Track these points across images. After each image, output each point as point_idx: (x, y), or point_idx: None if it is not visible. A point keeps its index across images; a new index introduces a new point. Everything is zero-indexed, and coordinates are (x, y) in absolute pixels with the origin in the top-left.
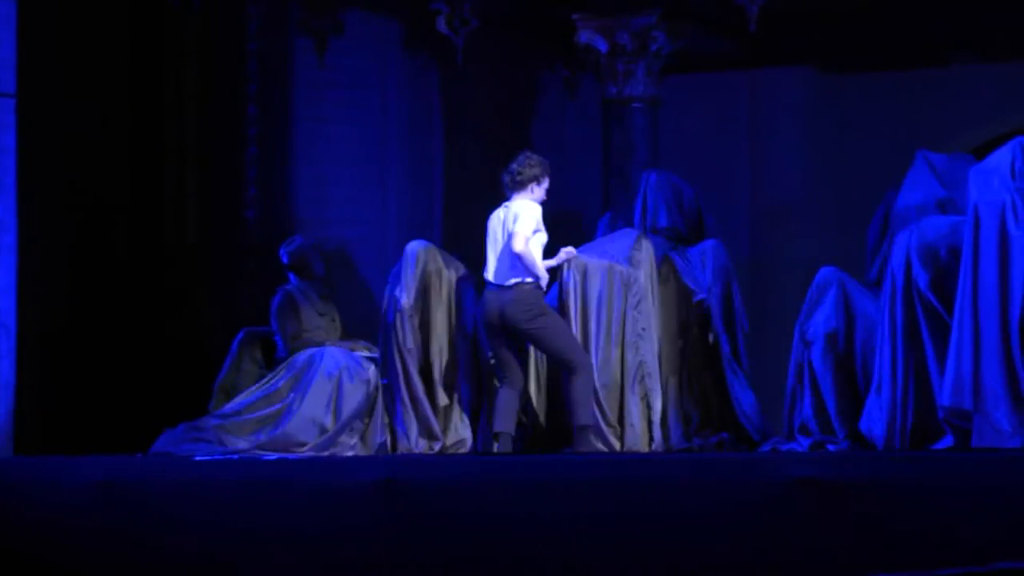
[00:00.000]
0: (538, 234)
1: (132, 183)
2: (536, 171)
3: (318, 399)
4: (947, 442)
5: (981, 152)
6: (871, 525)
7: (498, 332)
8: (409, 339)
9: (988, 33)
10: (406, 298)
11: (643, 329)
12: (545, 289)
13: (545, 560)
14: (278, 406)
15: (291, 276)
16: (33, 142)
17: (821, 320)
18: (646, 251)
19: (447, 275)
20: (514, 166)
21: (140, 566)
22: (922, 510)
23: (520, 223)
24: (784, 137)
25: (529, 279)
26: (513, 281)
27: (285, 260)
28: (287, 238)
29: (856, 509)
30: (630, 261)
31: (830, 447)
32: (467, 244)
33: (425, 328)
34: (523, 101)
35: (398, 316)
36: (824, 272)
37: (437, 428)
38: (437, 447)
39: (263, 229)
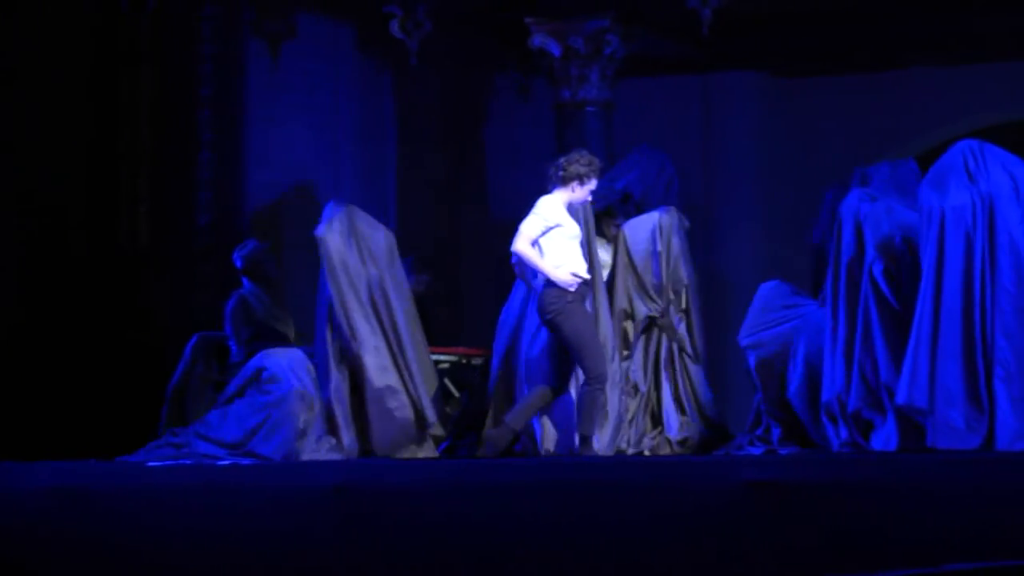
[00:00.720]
0: (557, 229)
1: (86, 187)
2: (581, 170)
3: (292, 411)
4: (889, 424)
5: (936, 155)
6: (825, 528)
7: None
8: (345, 335)
9: (941, 37)
10: (334, 294)
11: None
12: (576, 286)
13: (500, 563)
14: (259, 419)
15: (245, 280)
16: None
17: (767, 340)
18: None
19: (364, 248)
20: (562, 160)
21: (94, 572)
22: (875, 512)
23: (525, 222)
24: (737, 140)
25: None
26: (542, 278)
27: (239, 264)
28: (241, 242)
29: (810, 512)
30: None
31: (781, 450)
32: (420, 245)
33: (360, 314)
34: (477, 104)
35: (328, 312)
36: (767, 287)
37: (344, 432)
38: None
39: (217, 233)
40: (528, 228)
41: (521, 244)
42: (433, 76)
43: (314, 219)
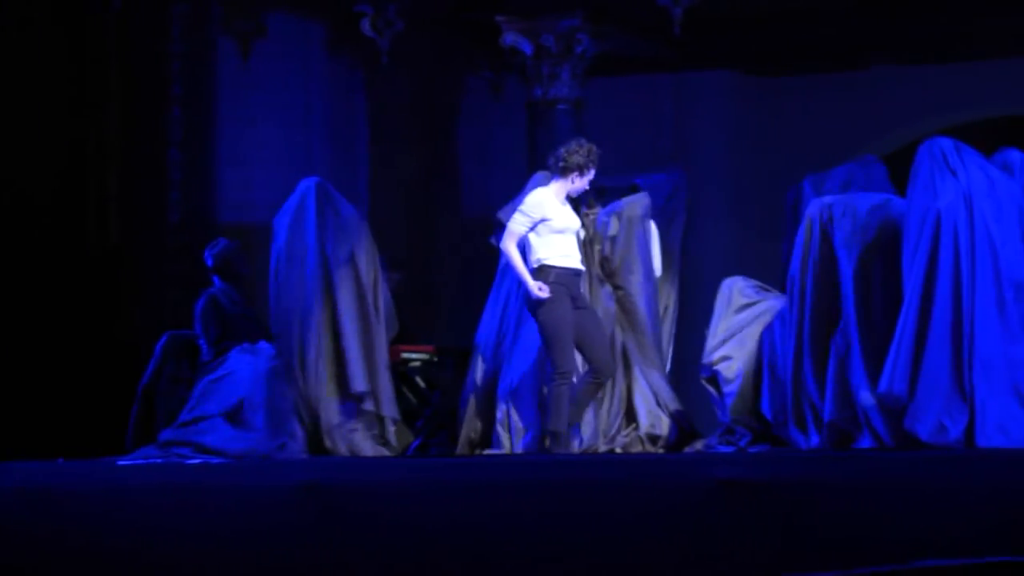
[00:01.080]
0: (544, 224)
1: (55, 185)
2: (581, 160)
3: (275, 408)
4: (866, 441)
5: (906, 153)
6: (797, 525)
7: None
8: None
9: (909, 37)
10: (272, 272)
11: None
12: (554, 279)
13: (473, 561)
14: (247, 446)
15: (215, 279)
16: None
17: (735, 352)
18: None
19: (324, 227)
20: (561, 151)
21: (64, 572)
22: (848, 509)
23: (512, 219)
24: (709, 138)
25: (536, 268)
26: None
27: (209, 263)
28: (211, 240)
29: (782, 509)
30: None
31: (751, 450)
32: (392, 244)
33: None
34: (448, 103)
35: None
36: (728, 285)
37: (296, 426)
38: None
39: (187, 232)
40: (514, 226)
41: (507, 242)
42: (404, 75)
43: None
